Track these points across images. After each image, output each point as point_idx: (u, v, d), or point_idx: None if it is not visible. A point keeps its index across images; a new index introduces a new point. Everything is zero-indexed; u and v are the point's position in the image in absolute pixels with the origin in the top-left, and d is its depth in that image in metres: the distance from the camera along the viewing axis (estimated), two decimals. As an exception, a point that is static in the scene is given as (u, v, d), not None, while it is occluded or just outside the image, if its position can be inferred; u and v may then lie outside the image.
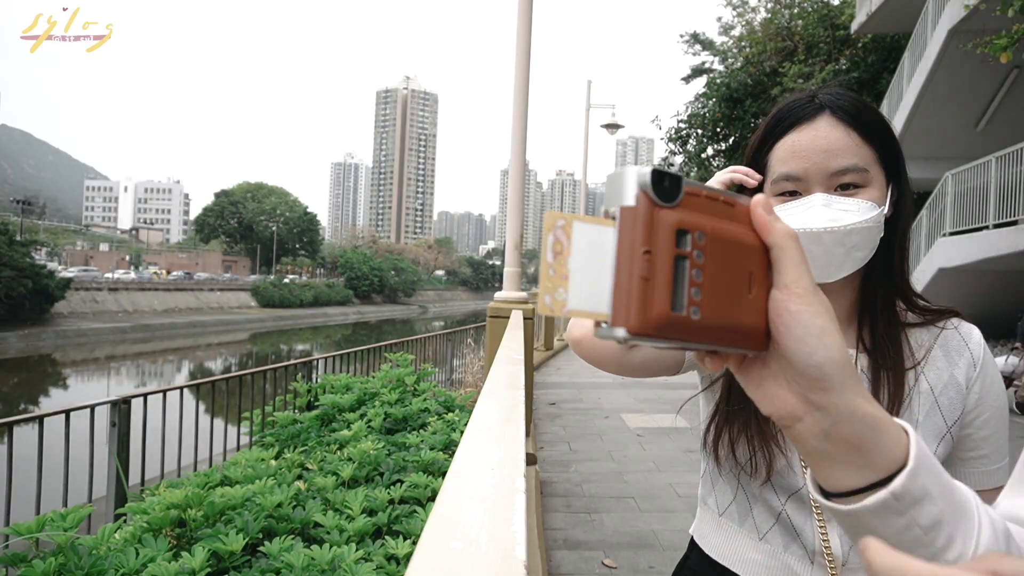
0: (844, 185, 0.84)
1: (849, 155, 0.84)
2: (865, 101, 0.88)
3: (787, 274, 0.38)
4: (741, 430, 0.91)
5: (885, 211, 0.85)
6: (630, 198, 0.35)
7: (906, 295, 0.91)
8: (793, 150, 0.86)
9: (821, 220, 0.82)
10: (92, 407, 3.62)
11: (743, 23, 21.88)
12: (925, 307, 0.91)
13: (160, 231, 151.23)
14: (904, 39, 13.52)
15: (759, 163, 0.92)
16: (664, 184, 0.36)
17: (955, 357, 0.88)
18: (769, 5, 20.32)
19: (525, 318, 3.90)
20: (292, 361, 5.43)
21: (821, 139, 0.85)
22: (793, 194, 0.87)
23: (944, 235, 10.72)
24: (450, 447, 2.68)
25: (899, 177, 0.88)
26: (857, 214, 0.82)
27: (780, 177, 0.87)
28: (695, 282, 0.35)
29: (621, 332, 0.34)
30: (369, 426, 2.99)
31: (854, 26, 15.05)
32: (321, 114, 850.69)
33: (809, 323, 0.37)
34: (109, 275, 55.66)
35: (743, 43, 20.89)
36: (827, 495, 0.43)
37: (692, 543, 1.03)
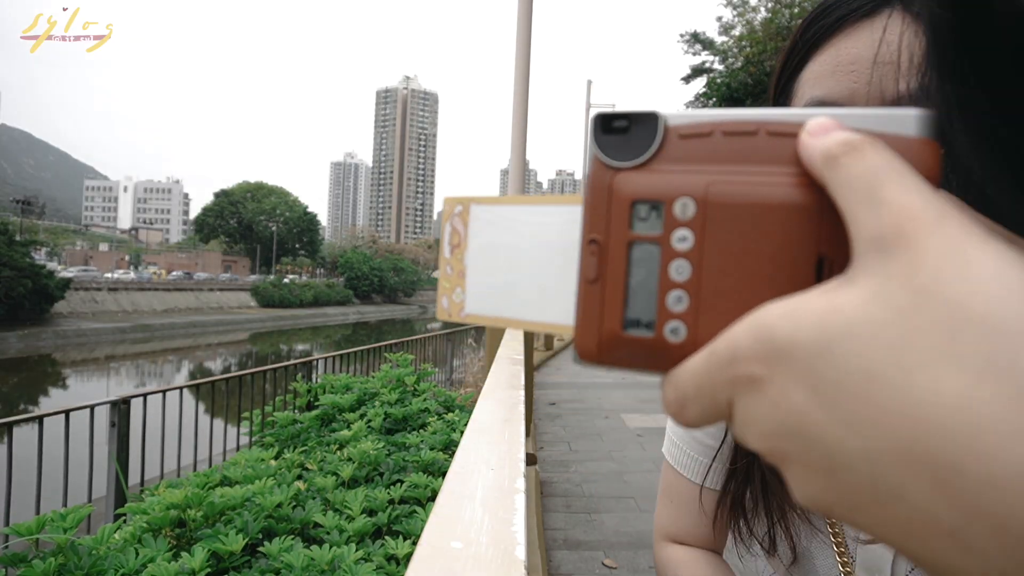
0: None
1: None
2: None
3: (862, 226, 0.19)
4: (759, 494, 0.69)
5: None
6: (588, 160, 0.25)
7: None
8: (836, 62, 0.56)
9: None
10: (92, 407, 3.63)
11: (743, 23, 21.89)
12: None
13: (160, 231, 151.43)
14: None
15: (786, 92, 0.64)
16: (626, 130, 0.24)
17: None
18: (769, 5, 20.35)
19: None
20: (292, 361, 5.43)
21: (883, 45, 0.55)
22: None
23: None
24: (450, 447, 2.68)
25: None
26: None
27: (814, 103, 0.57)
28: (674, 282, 0.23)
29: (577, 356, 0.25)
30: (369, 426, 2.99)
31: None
32: (321, 114, 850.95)
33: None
34: (109, 275, 55.71)
35: (743, 43, 20.89)
36: None
37: None
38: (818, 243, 0.22)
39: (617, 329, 0.23)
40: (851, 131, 0.21)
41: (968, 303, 0.16)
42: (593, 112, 0.25)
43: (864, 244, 0.19)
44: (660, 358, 0.23)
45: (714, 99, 19.16)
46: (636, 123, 0.24)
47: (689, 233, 0.23)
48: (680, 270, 0.23)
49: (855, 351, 0.17)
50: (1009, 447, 0.15)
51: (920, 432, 0.16)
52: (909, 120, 0.21)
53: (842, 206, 0.20)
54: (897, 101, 0.52)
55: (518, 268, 0.27)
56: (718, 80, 19.66)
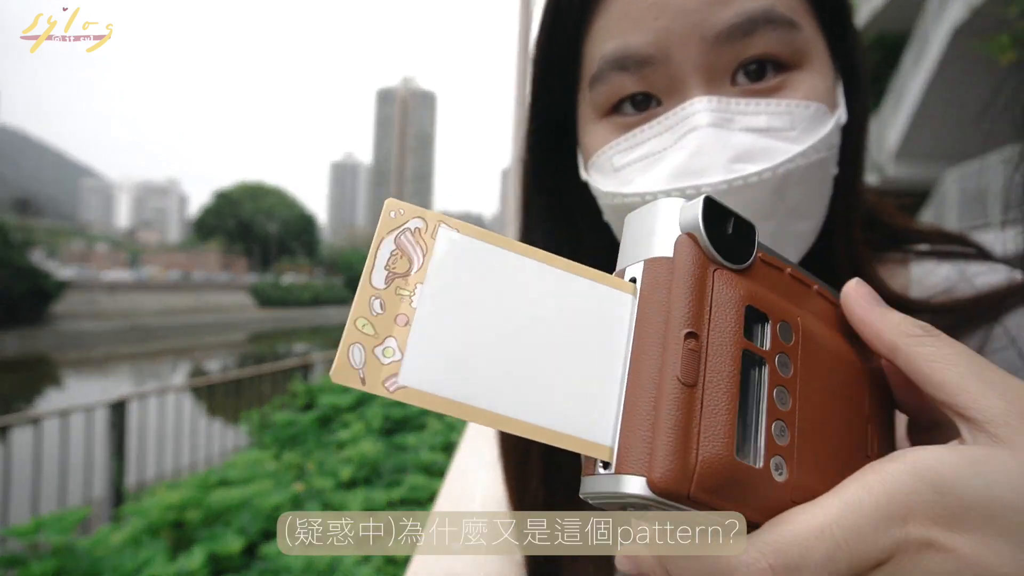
0: (753, 68, 0.40)
1: None
2: None
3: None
4: None
5: (842, 118, 0.43)
6: (665, 245, 0.20)
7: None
8: (627, 3, 0.40)
9: (715, 162, 0.37)
10: (90, 408, 3.62)
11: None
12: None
13: (158, 231, 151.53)
14: (908, 37, 13.58)
15: (573, 62, 0.45)
16: (726, 230, 0.20)
17: None
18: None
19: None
20: (291, 362, 5.42)
21: None
22: (642, 105, 0.42)
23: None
24: (449, 448, 2.67)
25: (848, 52, 0.45)
26: (790, 134, 0.39)
27: (609, 64, 0.41)
28: (778, 411, 0.18)
29: (636, 486, 0.18)
30: (368, 427, 2.99)
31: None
32: (320, 114, 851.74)
33: None
34: (107, 274, 55.72)
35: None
36: None
37: None
38: (859, 397, 0.21)
39: (728, 453, 0.17)
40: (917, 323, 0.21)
41: None
42: (704, 192, 0.22)
43: (992, 412, 0.19)
44: (760, 499, 0.18)
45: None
46: (737, 227, 0.21)
47: (788, 360, 0.19)
48: (784, 399, 0.19)
49: None
50: None
51: None
52: None
53: (939, 378, 0.19)
54: (734, 29, 0.38)
55: (505, 341, 0.18)
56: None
